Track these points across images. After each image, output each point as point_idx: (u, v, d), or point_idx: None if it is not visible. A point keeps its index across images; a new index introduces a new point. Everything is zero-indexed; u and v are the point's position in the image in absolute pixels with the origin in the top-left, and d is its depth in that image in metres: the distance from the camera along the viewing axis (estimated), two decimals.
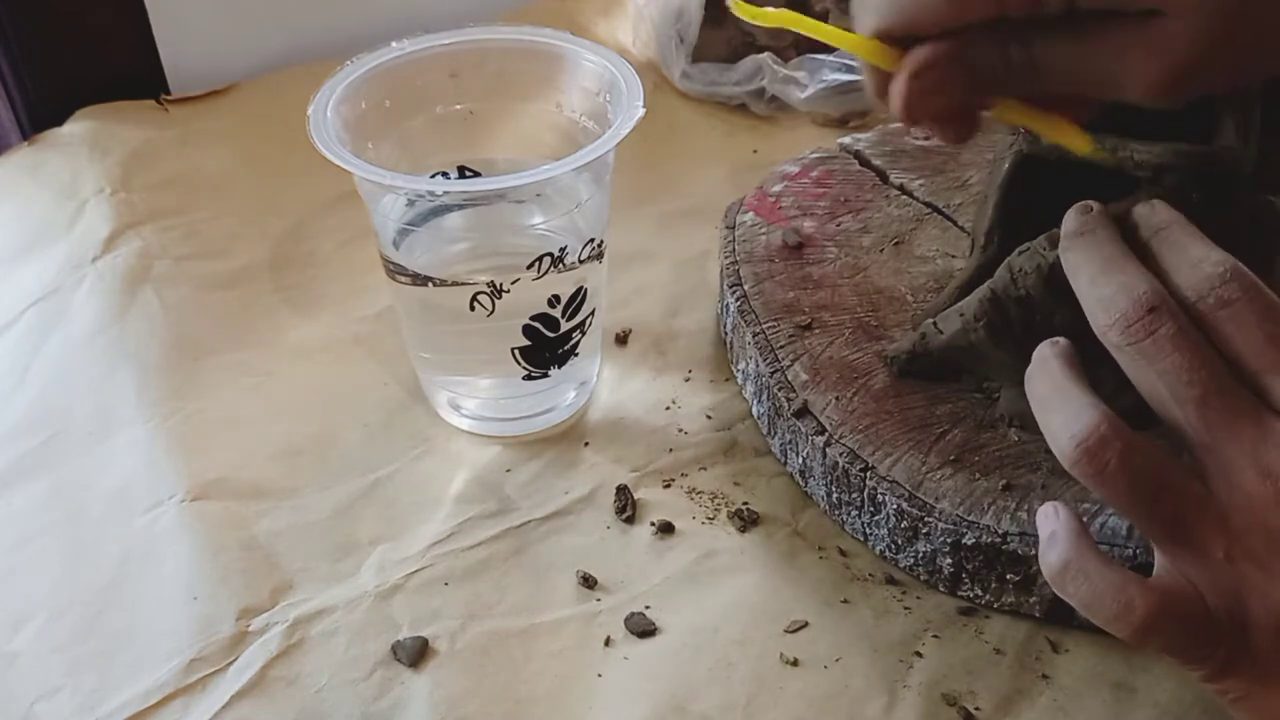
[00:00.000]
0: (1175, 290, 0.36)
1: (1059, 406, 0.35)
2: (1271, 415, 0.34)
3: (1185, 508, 0.34)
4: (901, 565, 0.47)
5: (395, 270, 0.49)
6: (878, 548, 0.47)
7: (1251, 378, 0.34)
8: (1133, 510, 0.35)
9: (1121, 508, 0.35)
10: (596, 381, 0.56)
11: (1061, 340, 0.38)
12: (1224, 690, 0.35)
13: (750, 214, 0.58)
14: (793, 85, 0.72)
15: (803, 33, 0.41)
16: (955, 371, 0.49)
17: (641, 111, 0.47)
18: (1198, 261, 0.36)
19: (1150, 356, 0.35)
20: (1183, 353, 0.34)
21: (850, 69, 0.72)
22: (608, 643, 0.45)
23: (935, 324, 0.48)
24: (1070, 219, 0.39)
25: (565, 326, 0.50)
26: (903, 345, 0.50)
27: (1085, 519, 0.44)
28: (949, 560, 0.45)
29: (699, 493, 0.50)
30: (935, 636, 0.45)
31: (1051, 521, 0.37)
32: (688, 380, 0.56)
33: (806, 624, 0.45)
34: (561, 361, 0.51)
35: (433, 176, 0.52)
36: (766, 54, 0.73)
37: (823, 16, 0.75)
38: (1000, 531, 0.44)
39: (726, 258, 0.56)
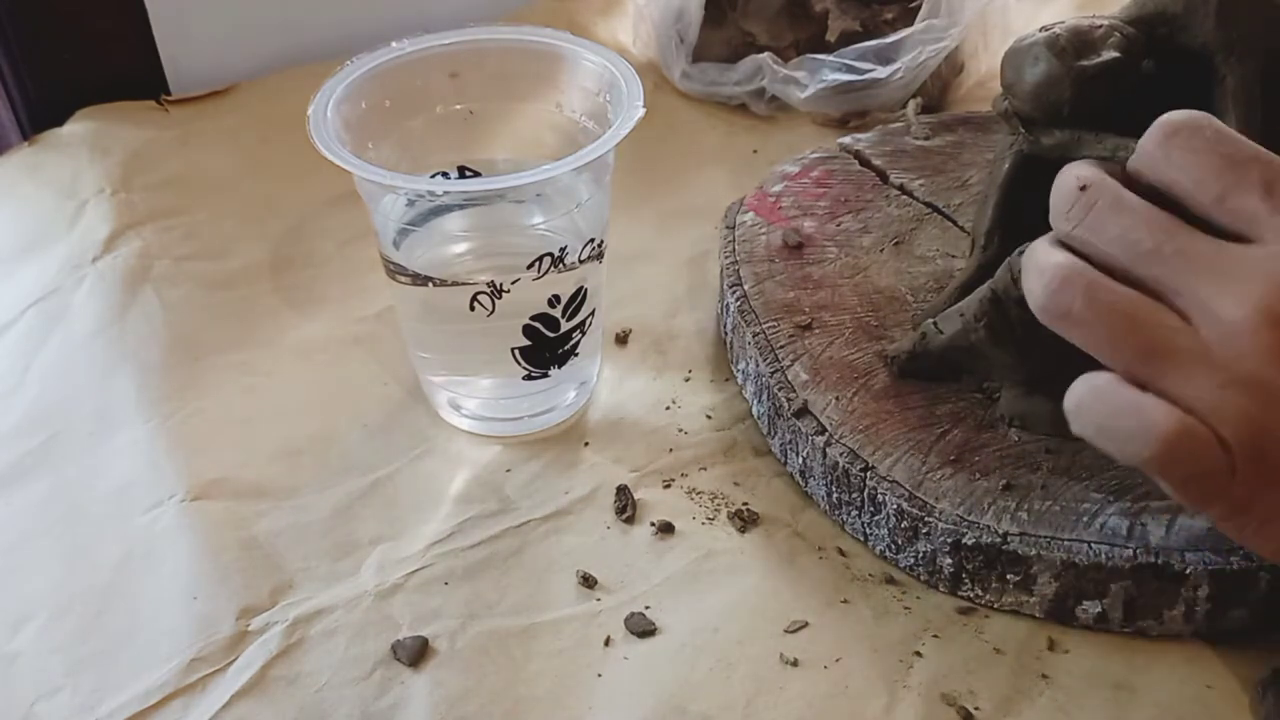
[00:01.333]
0: (1139, 174, 0.36)
1: (1031, 265, 0.36)
2: (1232, 243, 0.34)
3: (1166, 338, 0.34)
4: (901, 565, 0.47)
5: (395, 270, 0.49)
6: (878, 548, 0.47)
7: (1215, 206, 0.34)
8: (1111, 350, 0.34)
9: (1098, 347, 0.35)
10: (596, 381, 0.56)
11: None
12: (1245, 522, 0.35)
13: (750, 214, 0.59)
14: (793, 85, 0.72)
15: None
16: (955, 371, 0.49)
17: (642, 111, 0.47)
18: (1143, 137, 0.36)
19: (1097, 230, 0.35)
20: (1123, 214, 0.35)
21: (850, 69, 0.71)
22: (608, 643, 0.45)
23: (935, 324, 0.48)
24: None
25: (565, 326, 0.50)
26: (903, 345, 0.50)
27: (1085, 518, 0.44)
28: (949, 560, 0.45)
29: (699, 493, 0.50)
30: (935, 636, 0.45)
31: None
32: (688, 380, 0.56)
33: (806, 624, 0.45)
34: (562, 361, 0.51)
35: (433, 176, 0.52)
36: (766, 54, 0.73)
37: (823, 16, 0.75)
38: (1000, 531, 0.44)
39: (726, 258, 0.56)
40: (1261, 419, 0.33)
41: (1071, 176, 0.36)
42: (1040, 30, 0.44)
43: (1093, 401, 0.35)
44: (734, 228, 0.58)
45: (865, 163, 0.62)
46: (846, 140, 0.63)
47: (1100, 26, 0.43)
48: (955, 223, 0.58)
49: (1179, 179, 0.35)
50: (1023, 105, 0.44)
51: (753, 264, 0.55)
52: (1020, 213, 0.46)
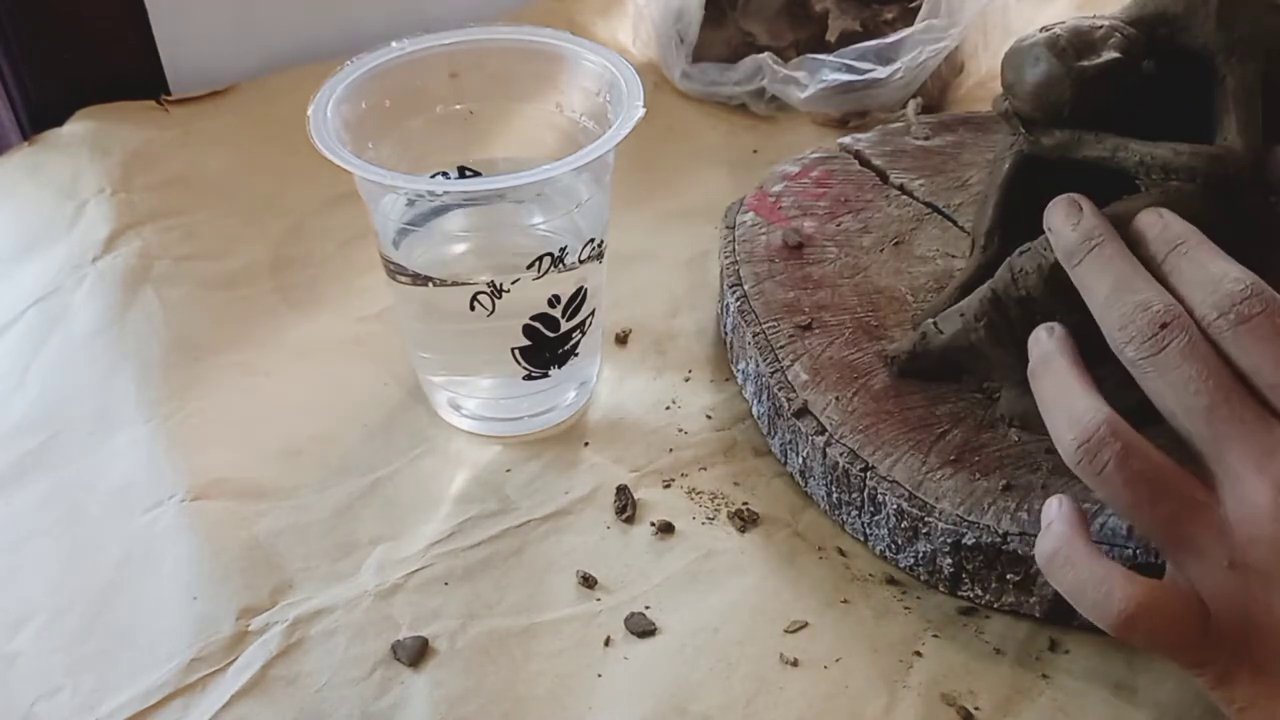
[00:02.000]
0: (1193, 306, 0.36)
1: (1063, 405, 0.36)
2: (1276, 423, 0.34)
3: (1185, 512, 0.34)
4: (901, 565, 0.47)
5: (395, 270, 0.49)
6: (878, 548, 0.47)
7: (1270, 390, 0.34)
8: (1131, 511, 0.35)
9: (1120, 508, 0.35)
10: (596, 381, 0.56)
11: (1058, 329, 0.38)
12: (1229, 699, 0.35)
13: (750, 214, 0.59)
14: (793, 85, 0.72)
15: None
16: (955, 371, 0.49)
17: (642, 111, 0.47)
18: (1218, 279, 0.36)
19: (1162, 368, 0.35)
20: (1191, 364, 0.34)
21: (850, 69, 0.72)
22: (607, 643, 0.45)
23: (935, 324, 0.48)
24: (1066, 229, 0.39)
25: (565, 326, 0.50)
26: (903, 345, 0.50)
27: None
28: (949, 560, 0.45)
29: (699, 493, 0.50)
30: (935, 636, 0.45)
31: (1053, 512, 0.37)
32: (688, 380, 0.56)
33: (806, 624, 0.45)
34: (562, 361, 0.51)
35: (433, 176, 0.52)
36: (766, 54, 0.73)
37: (823, 16, 0.75)
38: (1000, 531, 0.44)
39: (726, 258, 0.56)
40: (1255, 609, 0.34)
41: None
42: (1040, 30, 0.44)
43: (1061, 567, 0.36)
44: (734, 228, 0.58)
45: (865, 163, 0.62)
46: (846, 140, 0.63)
47: (1100, 27, 0.43)
48: (955, 223, 0.58)
49: (1251, 349, 0.35)
50: (1023, 105, 0.44)
51: (753, 264, 0.55)
52: (1020, 212, 0.46)
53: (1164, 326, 0.35)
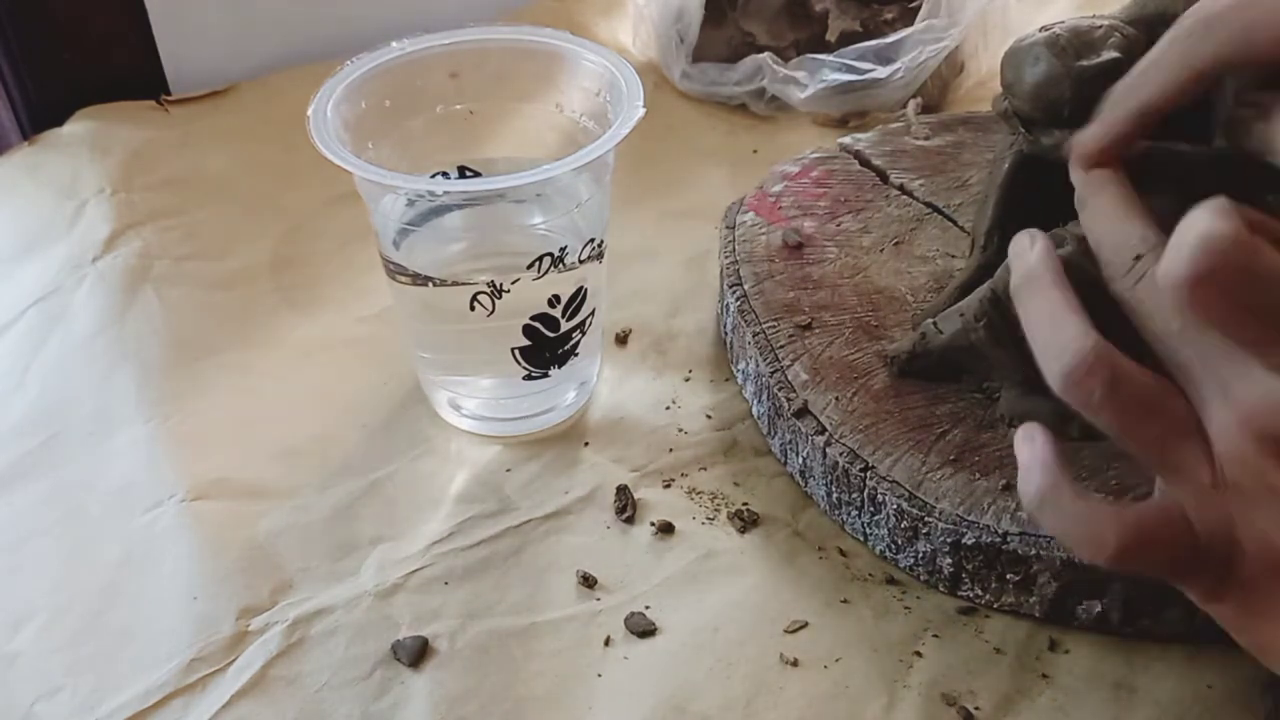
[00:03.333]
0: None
1: (1050, 331, 0.35)
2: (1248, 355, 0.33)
3: (1170, 434, 0.34)
4: (901, 565, 0.47)
5: (395, 270, 0.49)
6: (878, 548, 0.47)
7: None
8: (1120, 435, 0.35)
9: (1110, 432, 0.35)
10: (597, 381, 0.56)
11: (1040, 238, 0.38)
12: (1221, 616, 0.35)
13: (750, 214, 0.58)
14: (793, 85, 0.72)
15: None
16: (955, 371, 0.49)
17: (642, 111, 0.47)
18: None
19: (1153, 294, 0.35)
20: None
21: (850, 69, 0.72)
22: (607, 642, 0.45)
23: (935, 324, 0.48)
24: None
25: (565, 326, 0.50)
26: (903, 345, 0.50)
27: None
28: (949, 560, 0.45)
29: (699, 493, 0.50)
30: (935, 636, 0.45)
31: (1028, 450, 0.36)
32: (688, 380, 0.56)
33: (806, 624, 0.45)
34: (562, 361, 0.51)
35: (433, 176, 0.52)
36: (766, 54, 0.73)
37: (823, 16, 0.75)
38: (1000, 531, 0.44)
39: (726, 257, 0.56)
40: (1239, 527, 0.34)
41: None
42: (1040, 30, 0.44)
43: (1048, 511, 0.36)
44: (734, 228, 0.58)
45: (865, 163, 0.62)
46: (846, 140, 0.63)
47: (1100, 27, 0.43)
48: (955, 223, 0.58)
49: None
50: (1023, 105, 0.44)
51: (753, 264, 0.55)
52: (1020, 212, 0.46)
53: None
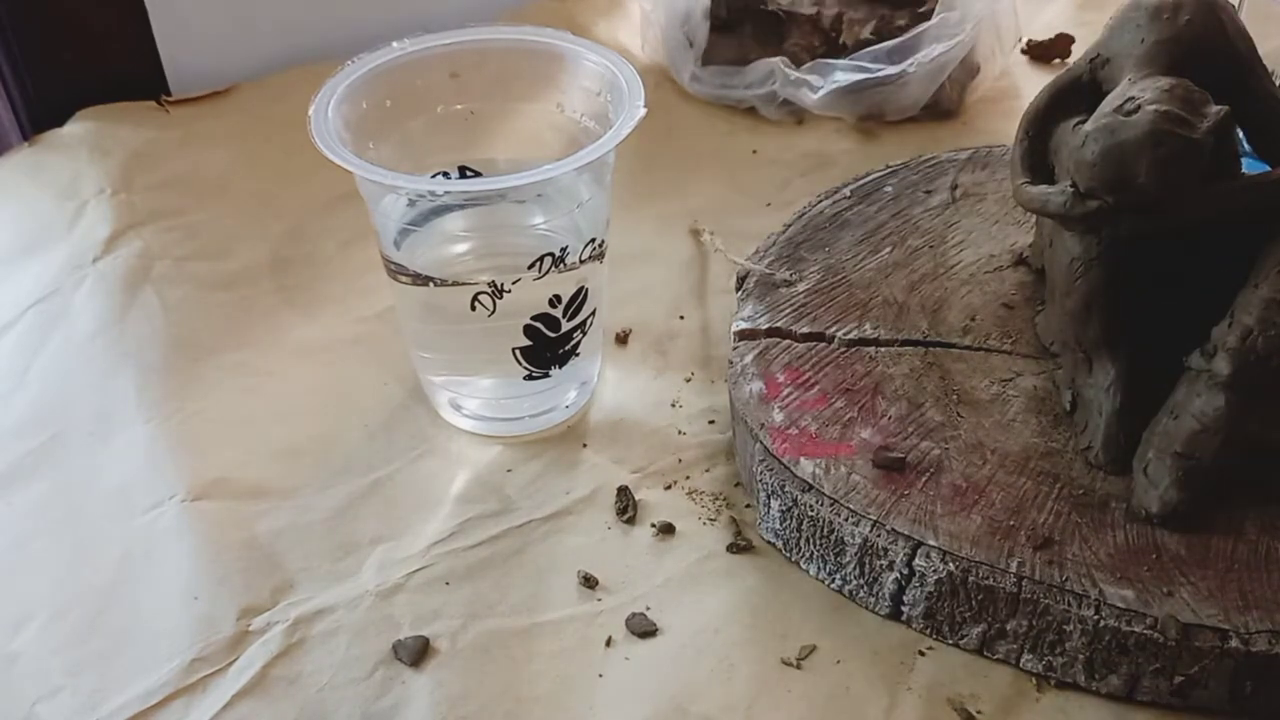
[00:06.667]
0: None
1: None
2: None
3: None
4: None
5: (396, 270, 0.49)
6: None
7: None
8: None
9: None
10: (597, 382, 0.55)
11: None
12: None
13: (804, 460, 0.47)
14: (805, 88, 0.71)
15: None
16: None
17: (642, 112, 0.47)
18: None
19: None
20: None
21: (862, 69, 0.71)
22: (609, 643, 0.45)
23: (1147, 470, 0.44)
24: None
25: (566, 326, 0.50)
26: (1169, 493, 0.43)
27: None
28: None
29: (700, 494, 0.50)
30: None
31: None
32: (689, 381, 0.56)
33: (808, 626, 0.45)
34: (562, 361, 0.51)
35: (433, 176, 0.52)
36: (778, 58, 0.72)
37: (835, 28, 0.74)
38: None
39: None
40: None
41: None
42: (1112, 114, 0.40)
43: None
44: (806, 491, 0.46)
45: (794, 337, 0.52)
46: (746, 325, 0.52)
47: (1162, 85, 0.40)
48: (953, 346, 0.51)
49: None
50: (1143, 193, 0.40)
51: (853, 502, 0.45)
52: (1117, 304, 0.45)
53: None
